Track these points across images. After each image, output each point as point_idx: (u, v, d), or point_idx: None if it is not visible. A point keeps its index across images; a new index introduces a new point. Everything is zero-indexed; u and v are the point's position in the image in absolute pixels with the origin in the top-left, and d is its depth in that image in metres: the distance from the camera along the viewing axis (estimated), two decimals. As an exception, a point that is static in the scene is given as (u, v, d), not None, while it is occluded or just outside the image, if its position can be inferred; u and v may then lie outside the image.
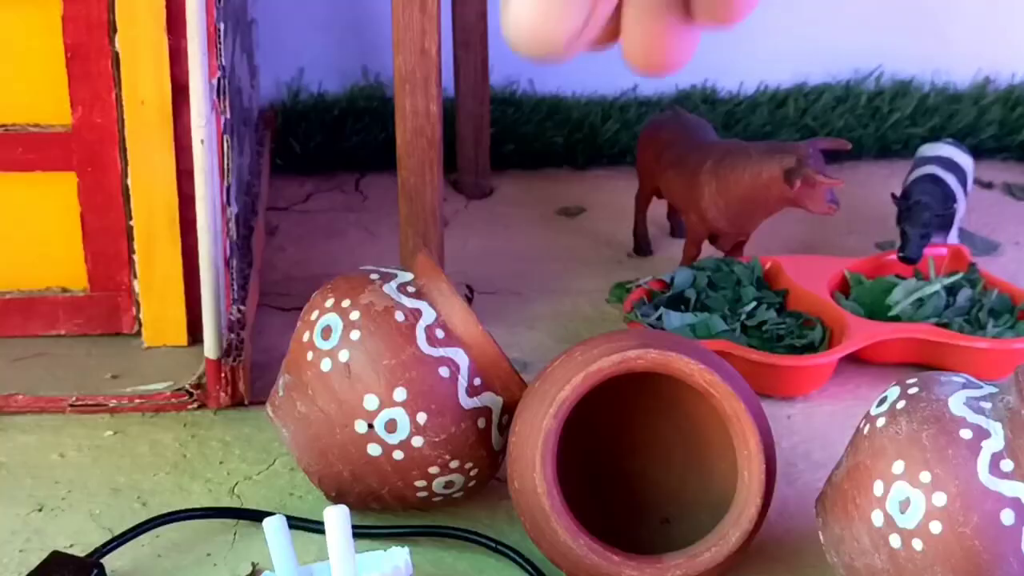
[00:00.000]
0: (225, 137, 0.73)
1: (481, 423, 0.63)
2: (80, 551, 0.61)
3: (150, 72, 0.73)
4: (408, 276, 0.66)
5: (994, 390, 0.52)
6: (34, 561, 0.60)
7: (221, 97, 0.72)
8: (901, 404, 0.52)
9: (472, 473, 0.63)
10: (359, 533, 0.62)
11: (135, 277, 0.78)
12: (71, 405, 0.73)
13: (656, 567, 0.57)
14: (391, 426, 0.61)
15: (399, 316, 0.63)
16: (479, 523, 0.65)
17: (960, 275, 0.85)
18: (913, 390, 0.52)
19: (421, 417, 0.61)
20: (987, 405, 0.51)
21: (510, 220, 1.02)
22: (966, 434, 0.50)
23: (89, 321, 0.79)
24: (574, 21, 0.35)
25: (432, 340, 0.62)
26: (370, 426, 0.61)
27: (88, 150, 0.75)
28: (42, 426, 0.72)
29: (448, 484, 0.63)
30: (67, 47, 0.73)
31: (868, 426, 0.53)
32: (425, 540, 0.64)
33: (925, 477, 0.49)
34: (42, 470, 0.69)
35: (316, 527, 0.63)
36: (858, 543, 0.52)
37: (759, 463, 0.57)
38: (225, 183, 0.73)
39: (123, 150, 0.75)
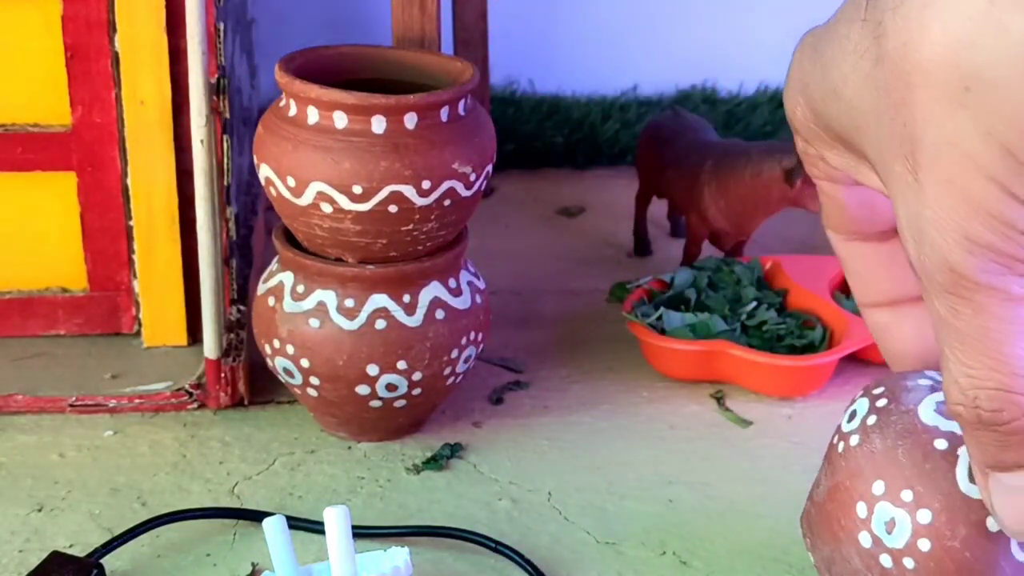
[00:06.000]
0: (225, 137, 0.73)
1: None
2: (80, 551, 0.61)
3: (150, 72, 0.73)
4: None
5: None
6: (34, 561, 0.60)
7: (221, 97, 0.72)
8: (872, 419, 0.51)
9: None
10: (359, 533, 0.62)
11: (135, 277, 0.78)
12: (71, 405, 0.73)
13: None
14: None
15: None
16: (479, 523, 0.65)
17: (960, 275, 0.85)
18: (881, 402, 0.51)
19: None
20: None
21: (510, 220, 1.02)
22: (941, 444, 0.49)
23: (89, 321, 0.79)
24: None
25: None
26: None
27: (88, 150, 0.75)
28: (42, 426, 0.72)
29: None
30: (67, 47, 0.73)
31: (842, 443, 0.52)
32: (425, 540, 0.64)
33: (907, 496, 0.49)
34: (42, 470, 0.69)
35: (316, 527, 0.63)
36: (849, 564, 0.51)
37: None
38: (225, 183, 0.73)
39: (123, 150, 0.75)
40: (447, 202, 0.65)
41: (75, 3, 0.72)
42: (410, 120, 0.64)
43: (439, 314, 0.68)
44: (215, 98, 0.71)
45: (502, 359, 0.81)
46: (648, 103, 1.16)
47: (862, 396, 0.53)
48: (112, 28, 0.72)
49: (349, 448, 0.72)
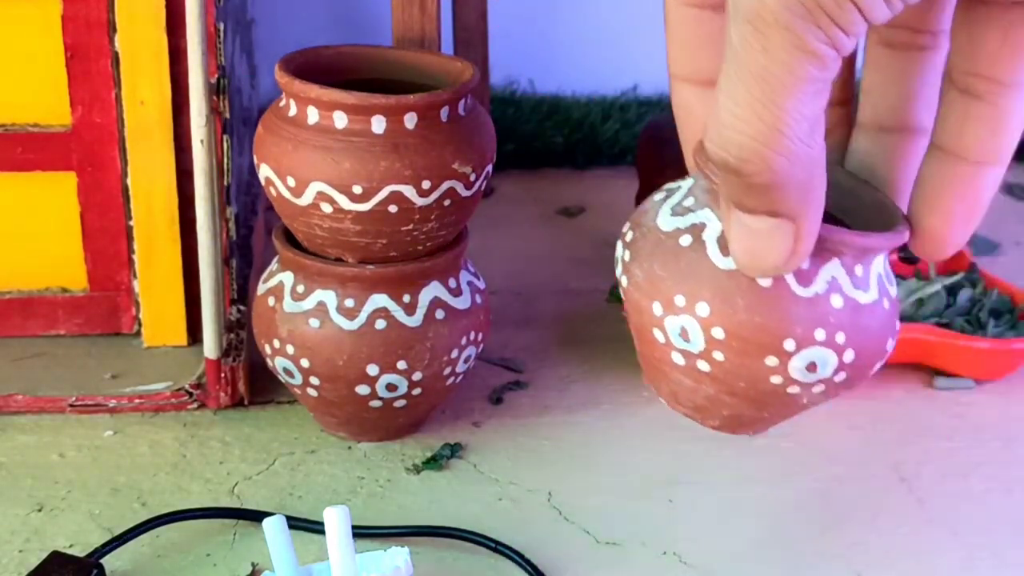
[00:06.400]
0: (225, 137, 0.73)
1: None
2: (80, 551, 0.61)
3: (150, 72, 0.73)
4: None
5: (691, 182, 0.51)
6: (34, 561, 0.60)
7: (221, 97, 0.72)
8: (627, 255, 0.51)
9: None
10: (359, 533, 0.62)
11: (135, 277, 0.78)
12: (71, 405, 0.73)
13: None
14: None
15: None
16: (479, 523, 0.65)
17: (960, 275, 0.85)
18: (629, 236, 0.51)
19: None
20: (690, 201, 0.50)
21: (510, 220, 1.02)
22: (686, 241, 0.49)
23: (89, 321, 0.79)
24: (783, 249, 0.42)
25: None
26: None
27: (88, 150, 0.75)
28: (42, 426, 0.73)
29: None
30: (67, 47, 0.73)
31: (621, 292, 0.52)
32: (425, 540, 0.64)
33: (681, 301, 0.49)
34: (42, 470, 0.69)
35: (316, 527, 0.63)
36: (683, 385, 0.51)
37: None
38: (225, 183, 0.73)
39: (123, 150, 0.75)
40: (447, 202, 0.65)
41: (75, 3, 0.72)
42: (410, 120, 0.64)
43: (439, 314, 0.68)
44: (215, 98, 0.71)
45: (502, 359, 0.81)
46: (648, 103, 1.16)
47: (618, 241, 0.53)
48: (112, 28, 0.72)
49: (349, 448, 0.72)
